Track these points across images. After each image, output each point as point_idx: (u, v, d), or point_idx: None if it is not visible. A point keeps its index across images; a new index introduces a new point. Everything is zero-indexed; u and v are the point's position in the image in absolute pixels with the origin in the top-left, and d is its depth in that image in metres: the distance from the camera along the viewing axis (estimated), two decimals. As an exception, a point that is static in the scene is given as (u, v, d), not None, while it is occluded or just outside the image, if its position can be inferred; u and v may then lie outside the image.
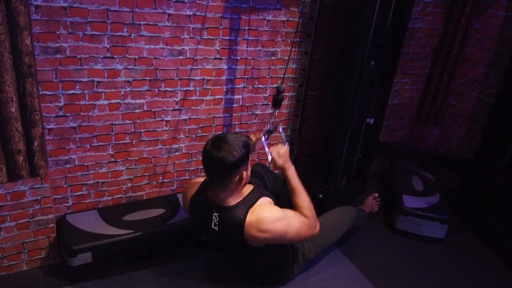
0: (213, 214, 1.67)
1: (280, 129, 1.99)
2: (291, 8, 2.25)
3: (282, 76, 2.39)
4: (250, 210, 1.63)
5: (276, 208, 1.69)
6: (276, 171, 2.26)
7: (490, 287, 2.19)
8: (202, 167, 2.38)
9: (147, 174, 2.25)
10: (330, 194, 2.48)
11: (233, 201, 1.65)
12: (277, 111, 1.95)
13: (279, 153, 1.77)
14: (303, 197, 1.76)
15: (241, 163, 1.58)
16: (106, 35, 1.85)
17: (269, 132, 1.96)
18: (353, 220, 2.28)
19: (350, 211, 2.30)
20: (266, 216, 1.61)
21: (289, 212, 1.71)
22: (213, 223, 1.68)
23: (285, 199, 2.15)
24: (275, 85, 2.40)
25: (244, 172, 1.61)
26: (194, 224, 1.92)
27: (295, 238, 1.73)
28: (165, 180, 2.33)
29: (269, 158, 1.78)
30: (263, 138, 1.85)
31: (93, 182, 2.11)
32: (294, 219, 1.69)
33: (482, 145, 2.70)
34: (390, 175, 2.99)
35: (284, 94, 2.45)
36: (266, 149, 1.81)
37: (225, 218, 1.65)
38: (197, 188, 1.79)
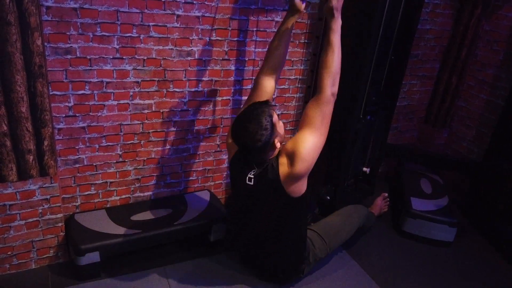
0: (253, 170, 1.72)
1: None
2: (300, 10, 2.24)
3: (290, 77, 2.39)
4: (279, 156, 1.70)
5: (293, 138, 1.72)
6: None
7: (499, 292, 2.18)
8: (209, 168, 2.41)
9: (155, 174, 2.26)
10: (338, 196, 2.47)
11: (271, 156, 1.73)
12: None
13: None
14: (335, 57, 1.64)
15: (268, 139, 1.62)
16: (116, 36, 1.86)
17: None
18: (364, 218, 2.26)
19: (361, 209, 2.29)
20: (289, 144, 1.67)
21: (304, 122, 1.69)
22: (250, 177, 1.73)
23: None
24: (282, 87, 2.40)
25: (275, 140, 1.67)
26: (231, 180, 1.94)
27: (323, 125, 1.67)
28: (172, 181, 2.33)
29: None
30: None
31: (102, 181, 2.12)
32: (311, 123, 1.66)
33: (491, 147, 2.67)
34: (398, 177, 2.97)
35: (291, 95, 2.47)
36: None
37: (263, 171, 1.70)
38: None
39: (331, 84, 1.64)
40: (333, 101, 1.68)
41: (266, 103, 1.67)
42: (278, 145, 1.68)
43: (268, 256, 1.92)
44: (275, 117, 1.66)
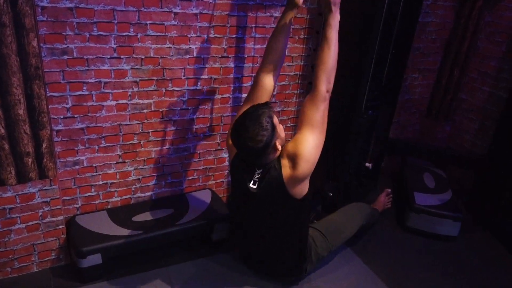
0: (256, 172, 1.69)
1: None
2: (299, 5, 2.22)
3: (290, 73, 2.37)
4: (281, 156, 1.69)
5: (293, 139, 1.70)
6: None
7: (505, 286, 2.15)
8: (210, 166, 2.39)
9: (156, 174, 2.24)
10: (341, 192, 2.46)
11: (272, 159, 1.70)
12: None
13: None
14: (331, 53, 1.63)
15: (270, 141, 1.60)
16: (113, 35, 1.83)
17: None
18: (367, 217, 2.25)
19: (364, 208, 2.27)
20: (290, 146, 1.66)
21: (302, 122, 1.68)
22: (253, 181, 1.69)
23: None
24: (282, 83, 2.38)
25: (276, 142, 1.64)
26: (232, 182, 1.92)
27: (321, 123, 1.67)
28: (173, 180, 2.32)
29: None
30: None
31: (102, 183, 2.10)
32: (309, 122, 1.66)
33: (495, 141, 2.65)
34: (401, 172, 2.95)
35: (292, 92, 2.44)
36: None
37: (266, 174, 1.67)
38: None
39: (326, 81, 1.64)
40: (328, 97, 1.67)
41: (266, 104, 1.66)
42: (279, 147, 1.66)
43: (270, 255, 1.91)
44: (275, 119, 1.64)
